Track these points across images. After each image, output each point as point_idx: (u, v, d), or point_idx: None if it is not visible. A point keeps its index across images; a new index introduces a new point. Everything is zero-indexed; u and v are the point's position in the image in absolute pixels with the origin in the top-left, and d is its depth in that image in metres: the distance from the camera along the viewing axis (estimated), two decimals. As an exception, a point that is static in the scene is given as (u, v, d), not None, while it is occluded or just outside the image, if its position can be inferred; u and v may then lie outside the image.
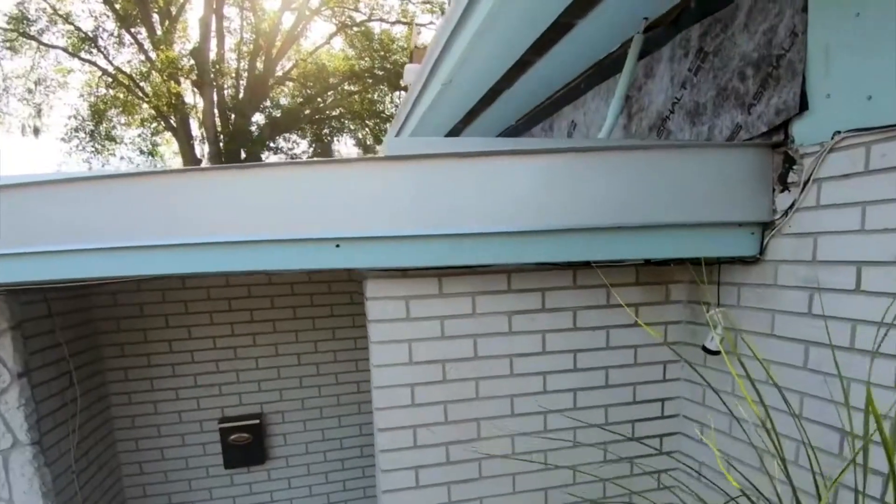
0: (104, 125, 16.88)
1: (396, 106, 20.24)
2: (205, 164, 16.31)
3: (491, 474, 2.07)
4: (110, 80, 16.46)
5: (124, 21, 15.68)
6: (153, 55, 15.53)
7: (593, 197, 1.72)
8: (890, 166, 1.39)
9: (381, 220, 1.65)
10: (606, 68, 2.80)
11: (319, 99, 18.46)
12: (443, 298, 1.92)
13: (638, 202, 1.74)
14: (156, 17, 15.90)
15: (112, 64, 16.36)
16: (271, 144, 17.84)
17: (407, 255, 1.70)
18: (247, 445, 3.31)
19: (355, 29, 18.38)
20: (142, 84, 16.05)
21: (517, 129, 4.11)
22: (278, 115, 17.39)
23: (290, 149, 18.88)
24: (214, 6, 15.69)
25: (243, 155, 16.14)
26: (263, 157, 17.70)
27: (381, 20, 18.81)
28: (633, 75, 2.46)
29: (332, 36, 18.73)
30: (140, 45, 16.12)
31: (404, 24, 18.86)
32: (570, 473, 2.17)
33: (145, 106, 16.18)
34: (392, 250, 1.69)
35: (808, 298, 1.66)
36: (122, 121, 17.21)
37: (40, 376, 2.35)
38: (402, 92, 19.66)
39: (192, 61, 15.31)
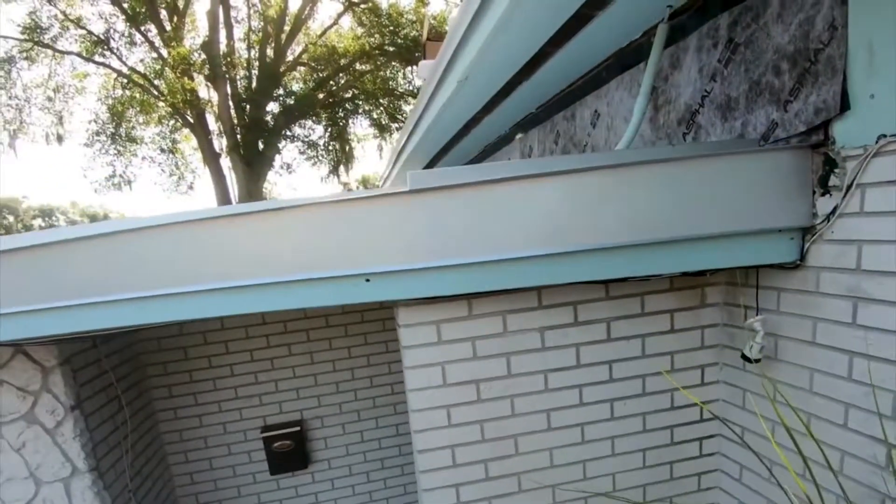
0: (124, 126, 17.14)
1: (409, 82, 19.99)
2: (223, 157, 16.49)
3: (530, 487, 2.09)
4: (125, 81, 16.63)
5: (133, 20, 15.73)
6: (164, 52, 15.60)
7: (623, 213, 1.67)
8: (943, 177, 1.31)
9: (408, 253, 1.64)
10: (629, 56, 2.69)
11: (332, 82, 18.35)
12: (473, 320, 1.92)
13: (671, 216, 1.69)
14: (164, 13, 15.90)
15: (126, 65, 16.52)
16: (287, 133, 17.90)
17: (436, 285, 1.69)
18: (290, 452, 3.41)
19: (363, 6, 18.08)
20: (156, 82, 16.19)
21: (538, 116, 4.01)
22: (292, 103, 17.36)
23: (307, 136, 18.93)
24: (221, -4, 15.62)
25: (261, 146, 16.25)
26: (280, 146, 17.78)
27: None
28: (659, 67, 2.36)
29: (340, 15, 18.48)
30: (151, 44, 16.20)
31: (412, -5, 18.51)
32: (610, 480, 2.18)
33: (161, 104, 16.34)
34: (421, 281, 1.68)
35: (853, 308, 1.59)
36: (141, 120, 17.44)
37: (91, 405, 2.44)
38: (415, 66, 19.39)
39: (203, 56, 15.34)
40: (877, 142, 1.47)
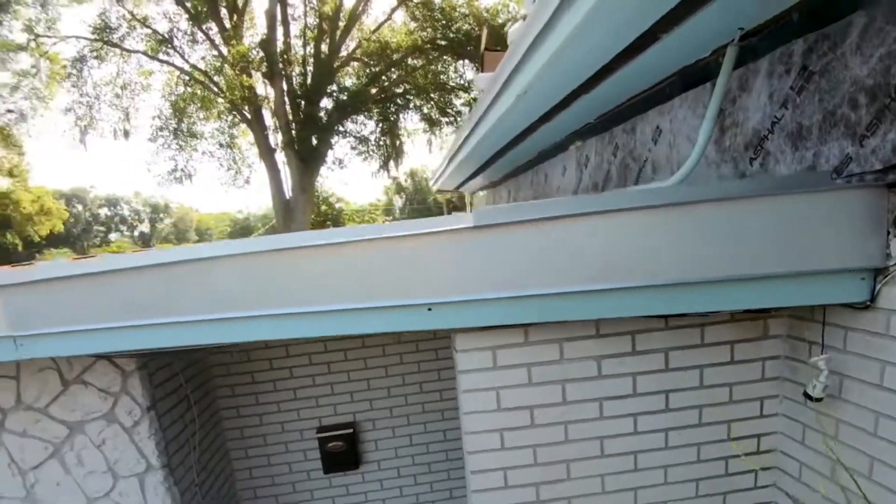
0: (185, 122, 17.93)
1: (461, 76, 19.99)
2: (278, 152, 17.05)
3: (581, 511, 2.12)
4: (187, 78, 17.39)
5: (196, 19, 16.40)
6: (224, 50, 16.21)
7: (683, 251, 1.66)
8: None
9: (469, 284, 1.69)
10: (695, 75, 2.63)
11: (384, 77, 18.56)
12: (529, 346, 1.95)
13: (734, 254, 1.66)
14: (224, 11, 16.50)
15: (188, 62, 17.28)
16: (339, 128, 18.28)
17: (496, 315, 1.73)
18: (342, 452, 3.55)
19: (416, 0, 18.17)
20: (216, 79, 16.84)
21: (596, 126, 3.97)
22: (345, 98, 17.68)
23: (359, 131, 19.28)
24: (279, -6, 16.06)
25: (314, 142, 16.67)
26: (333, 141, 18.20)
27: (443, -12, 18.45)
28: (727, 90, 2.30)
29: (393, 10, 18.62)
30: (212, 42, 16.85)
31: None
32: (662, 508, 2.18)
33: (220, 100, 16.99)
34: (481, 311, 1.73)
35: (928, 355, 1.54)
36: (201, 116, 18.19)
37: (164, 406, 2.63)
38: (466, 60, 19.37)
39: (261, 53, 15.84)
40: (961, 187, 1.41)
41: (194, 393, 2.99)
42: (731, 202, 1.65)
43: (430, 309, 1.72)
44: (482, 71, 6.49)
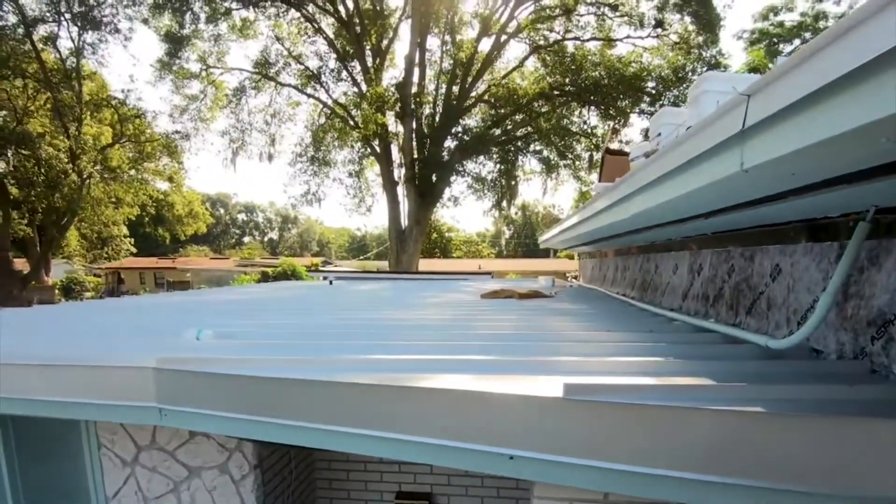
0: (322, 150, 19.68)
1: (585, 121, 19.89)
2: (400, 186, 18.09)
3: None
4: (329, 111, 19.11)
5: (343, 58, 18.06)
6: (364, 87, 17.63)
7: (780, 458, 1.63)
8: None
9: (552, 446, 1.78)
10: (821, 230, 2.53)
11: (508, 121, 18.99)
12: (606, 504, 1.99)
13: (834, 471, 1.60)
14: (368, 52, 18.01)
15: (331, 97, 19.02)
16: (458, 168, 18.99)
17: (575, 478, 1.79)
18: (416, 522, 3.73)
19: (548, 49, 18.49)
20: (353, 113, 18.34)
21: (713, 239, 3.87)
22: (468, 139, 18.35)
23: (477, 172, 19.89)
24: (419, 40, 17.19)
25: (434, 179, 17.47)
26: (451, 180, 18.93)
27: (576, 39, 18.59)
28: (853, 261, 2.20)
29: (525, 58, 19.07)
30: (353, 79, 18.41)
31: (599, 40, 18.45)
32: None
33: (355, 133, 18.43)
34: (561, 472, 1.80)
35: None
36: (336, 144, 19.85)
37: (268, 463, 2.97)
38: (592, 108, 19.25)
39: (397, 95, 17.01)
40: None
41: (294, 447, 3.32)
42: (842, 419, 1.59)
43: (511, 458, 1.83)
44: (601, 170, 6.54)
